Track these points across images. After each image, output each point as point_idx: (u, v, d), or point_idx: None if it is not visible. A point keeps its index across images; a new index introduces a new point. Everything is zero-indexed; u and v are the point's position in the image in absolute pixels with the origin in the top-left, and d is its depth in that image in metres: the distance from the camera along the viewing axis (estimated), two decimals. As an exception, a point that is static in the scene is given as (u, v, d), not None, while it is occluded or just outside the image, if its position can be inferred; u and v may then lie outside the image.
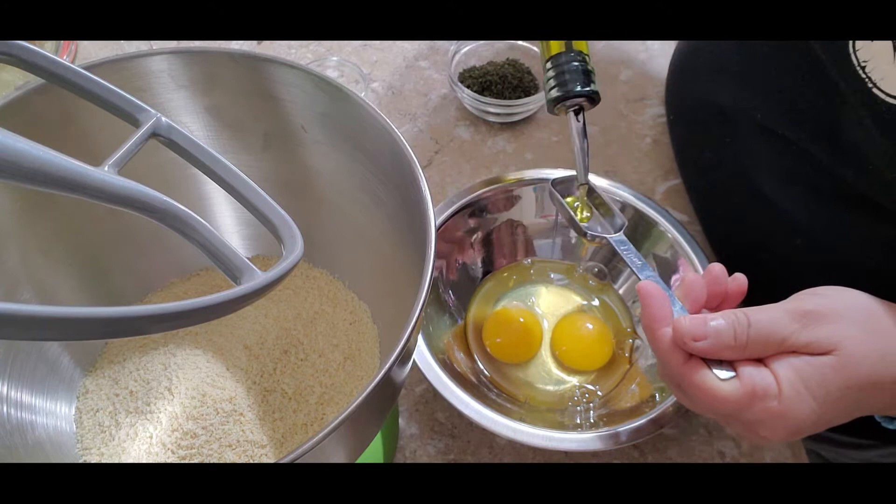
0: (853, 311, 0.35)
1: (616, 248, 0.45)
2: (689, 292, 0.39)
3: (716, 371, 0.35)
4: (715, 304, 0.39)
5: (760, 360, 0.35)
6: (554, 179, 0.50)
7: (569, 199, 0.50)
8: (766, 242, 0.51)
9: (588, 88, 0.47)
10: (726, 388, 0.34)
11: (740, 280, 0.39)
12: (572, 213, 0.48)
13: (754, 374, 0.34)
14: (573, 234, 0.56)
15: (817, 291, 0.37)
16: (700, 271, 0.50)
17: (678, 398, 0.39)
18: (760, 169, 0.51)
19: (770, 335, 0.34)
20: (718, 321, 0.35)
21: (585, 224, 0.48)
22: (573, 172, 0.50)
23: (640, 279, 0.42)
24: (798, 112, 0.48)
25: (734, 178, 0.54)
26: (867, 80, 0.40)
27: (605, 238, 0.46)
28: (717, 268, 0.39)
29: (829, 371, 0.33)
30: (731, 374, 0.35)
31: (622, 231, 0.46)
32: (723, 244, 0.56)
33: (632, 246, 0.45)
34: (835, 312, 0.35)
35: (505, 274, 0.55)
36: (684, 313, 0.38)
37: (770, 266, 0.51)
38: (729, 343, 0.34)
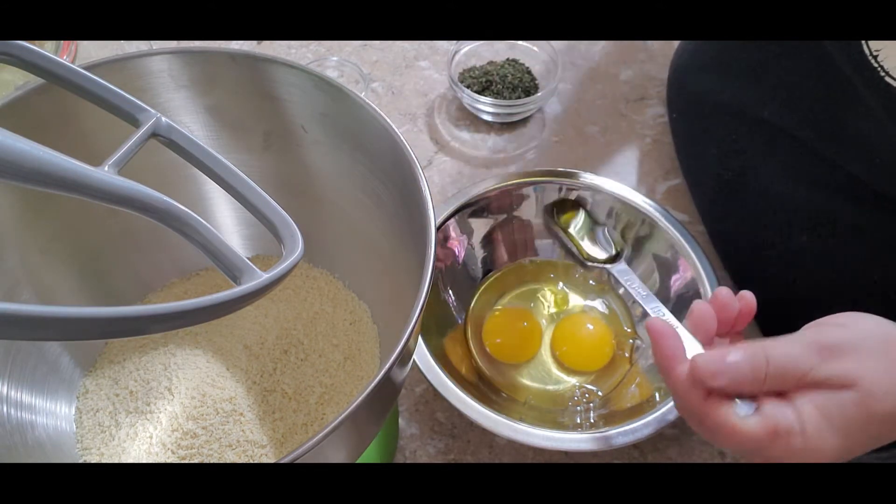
0: (873, 342, 0.34)
1: (618, 279, 0.44)
2: (699, 325, 0.38)
3: (738, 404, 0.34)
4: (725, 329, 0.39)
5: (780, 394, 0.34)
6: (546, 205, 0.49)
7: (564, 218, 0.49)
8: (771, 239, 0.51)
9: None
10: (748, 426, 0.33)
11: (748, 299, 0.38)
12: (568, 242, 0.47)
13: (776, 413, 0.33)
14: (544, 208, 0.56)
15: (836, 321, 0.36)
16: (701, 272, 0.50)
17: (696, 431, 0.37)
18: (765, 165, 0.51)
19: (789, 371, 0.33)
20: (736, 357, 0.34)
21: (584, 244, 0.48)
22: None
23: (644, 308, 0.41)
24: (804, 107, 0.47)
25: (738, 174, 0.54)
26: (879, 69, 0.40)
27: (606, 269, 0.45)
28: (724, 292, 0.38)
29: (850, 406, 0.32)
30: (752, 406, 0.34)
31: (622, 258, 0.46)
32: (726, 242, 0.55)
33: (634, 275, 0.44)
34: (854, 346, 0.34)
35: (505, 274, 0.55)
36: (697, 345, 0.37)
37: (774, 263, 0.51)
38: (747, 380, 0.33)
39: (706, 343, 0.38)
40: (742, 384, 0.34)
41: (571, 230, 0.48)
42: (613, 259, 0.46)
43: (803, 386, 0.33)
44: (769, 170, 0.51)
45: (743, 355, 0.34)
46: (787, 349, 0.34)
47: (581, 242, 0.48)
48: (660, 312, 0.41)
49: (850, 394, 0.32)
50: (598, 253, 0.47)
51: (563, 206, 0.50)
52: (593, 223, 0.49)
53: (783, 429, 0.32)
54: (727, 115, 0.55)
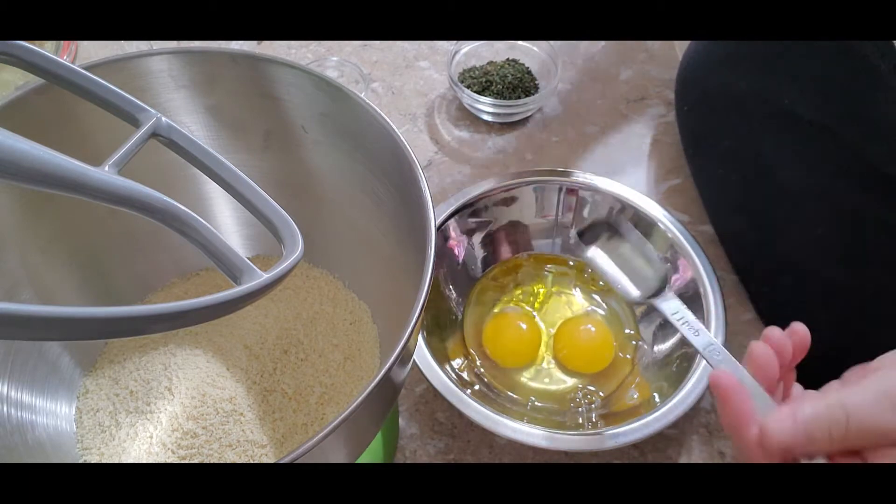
0: None
1: (665, 315, 0.40)
2: (763, 369, 0.34)
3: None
4: (782, 374, 0.35)
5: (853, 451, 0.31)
6: (579, 231, 0.45)
7: (595, 247, 0.44)
8: (784, 232, 0.50)
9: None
10: None
11: (801, 334, 0.35)
12: (608, 272, 0.44)
13: None
14: (573, 234, 0.56)
15: (891, 363, 0.32)
16: (701, 272, 0.50)
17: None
18: (783, 156, 0.50)
19: (872, 430, 0.30)
20: (807, 416, 0.30)
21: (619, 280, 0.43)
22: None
23: (698, 350, 0.38)
24: (826, 94, 0.47)
25: (753, 166, 0.53)
26: None
27: (655, 305, 0.42)
28: (777, 334, 0.35)
29: None
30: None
31: (669, 288, 0.41)
32: (736, 238, 0.55)
33: (685, 308, 0.39)
34: None
35: (503, 273, 0.55)
36: (763, 394, 0.33)
37: (787, 258, 0.50)
38: (824, 446, 0.30)
39: (770, 388, 0.34)
40: (816, 450, 0.30)
41: (602, 263, 0.45)
42: (657, 292, 0.41)
43: (883, 444, 0.30)
44: (787, 160, 0.50)
45: (816, 413, 0.30)
46: (868, 404, 0.30)
47: (614, 278, 0.44)
48: (716, 353, 0.37)
49: None
50: (636, 290, 0.43)
51: (594, 232, 0.46)
52: (629, 248, 0.45)
53: None
54: (744, 107, 0.54)
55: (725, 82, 0.56)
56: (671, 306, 0.41)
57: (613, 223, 0.45)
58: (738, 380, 0.33)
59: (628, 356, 0.50)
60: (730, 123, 0.56)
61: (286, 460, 0.25)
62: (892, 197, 0.44)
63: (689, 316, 0.39)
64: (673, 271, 0.52)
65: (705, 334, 0.38)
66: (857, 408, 0.30)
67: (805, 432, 0.30)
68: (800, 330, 0.35)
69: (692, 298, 0.49)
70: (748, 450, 0.32)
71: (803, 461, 0.30)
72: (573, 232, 0.45)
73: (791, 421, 0.30)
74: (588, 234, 0.45)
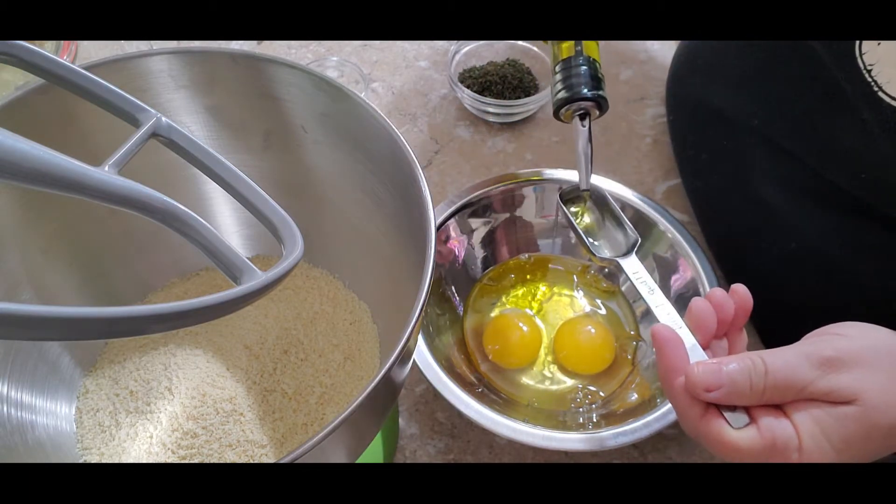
0: (877, 355, 0.33)
1: (626, 273, 0.43)
2: (699, 324, 0.36)
3: (729, 417, 0.33)
4: (724, 329, 0.38)
5: (777, 407, 0.33)
6: (562, 192, 0.49)
7: (574, 210, 0.49)
8: (761, 245, 0.51)
9: (595, 92, 0.48)
10: (745, 441, 0.32)
11: (741, 293, 0.37)
12: (581, 231, 0.47)
13: (774, 426, 0.32)
14: (573, 234, 0.56)
15: (838, 332, 0.34)
16: (700, 272, 0.50)
17: (695, 441, 0.36)
18: (756, 173, 0.51)
19: (788, 383, 0.32)
20: (732, 367, 0.33)
21: (594, 241, 0.47)
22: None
23: (651, 308, 0.40)
24: (795, 120, 0.48)
25: (730, 180, 0.54)
26: (873, 83, 0.40)
27: (616, 261, 0.44)
28: (719, 293, 0.37)
29: (850, 422, 0.31)
30: (745, 421, 0.33)
31: (635, 250, 0.45)
32: (719, 245, 0.56)
33: (644, 271, 0.43)
34: (857, 358, 0.32)
35: (503, 273, 0.55)
36: (698, 349, 0.36)
37: (764, 268, 0.51)
38: (744, 392, 0.32)
39: (706, 343, 0.37)
40: (738, 397, 0.33)
41: (579, 224, 0.48)
42: (624, 254, 0.45)
43: (802, 399, 0.32)
44: (759, 176, 0.51)
45: (741, 365, 0.33)
46: (787, 360, 0.33)
47: (587, 239, 0.47)
48: (665, 312, 0.40)
49: (850, 409, 0.31)
50: (606, 251, 0.46)
51: (574, 198, 0.50)
52: (606, 215, 0.48)
53: (781, 443, 0.32)
54: (721, 121, 0.55)
55: (703, 96, 0.57)
56: (633, 266, 0.44)
57: (597, 190, 0.49)
58: (675, 333, 0.36)
59: (629, 356, 0.50)
60: (708, 137, 0.57)
61: (286, 460, 0.25)
62: (856, 216, 0.44)
63: (648, 277, 0.43)
64: (673, 271, 0.52)
65: (659, 294, 0.41)
66: (776, 363, 0.32)
67: (728, 379, 0.33)
68: (740, 290, 0.37)
69: (692, 298, 0.49)
70: (674, 397, 0.35)
71: (726, 414, 0.33)
72: (557, 195, 0.50)
73: (716, 367, 0.33)
74: (571, 193, 0.50)
